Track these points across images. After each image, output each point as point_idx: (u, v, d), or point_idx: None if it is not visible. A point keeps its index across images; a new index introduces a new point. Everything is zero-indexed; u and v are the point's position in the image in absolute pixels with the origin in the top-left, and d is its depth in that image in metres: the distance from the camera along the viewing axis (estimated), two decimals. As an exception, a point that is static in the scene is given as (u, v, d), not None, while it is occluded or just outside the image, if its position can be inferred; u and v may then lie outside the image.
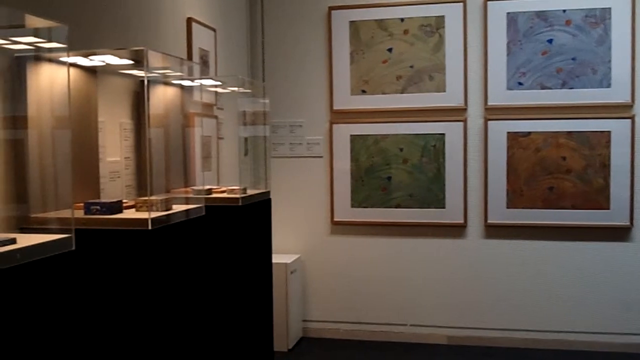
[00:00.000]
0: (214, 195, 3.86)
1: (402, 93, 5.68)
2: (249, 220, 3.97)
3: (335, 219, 5.86)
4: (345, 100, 5.80)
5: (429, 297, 5.77)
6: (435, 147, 5.65)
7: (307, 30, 5.88)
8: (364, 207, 5.79)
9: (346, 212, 5.83)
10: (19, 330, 1.89)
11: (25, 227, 2.51)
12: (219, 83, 4.87)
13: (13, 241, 1.95)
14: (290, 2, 5.89)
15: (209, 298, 3.38)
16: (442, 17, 5.57)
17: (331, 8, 5.76)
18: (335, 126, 5.83)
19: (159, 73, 3.51)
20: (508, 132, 5.50)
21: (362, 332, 5.89)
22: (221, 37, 5.09)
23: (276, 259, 5.25)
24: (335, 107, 5.82)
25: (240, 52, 5.74)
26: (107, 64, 3.07)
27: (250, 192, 4.09)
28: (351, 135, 5.80)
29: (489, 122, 5.52)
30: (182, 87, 3.75)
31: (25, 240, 2.03)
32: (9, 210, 2.54)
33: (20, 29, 2.33)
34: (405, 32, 5.65)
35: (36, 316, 1.96)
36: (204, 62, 4.69)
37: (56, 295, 2.06)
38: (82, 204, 2.78)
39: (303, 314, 5.96)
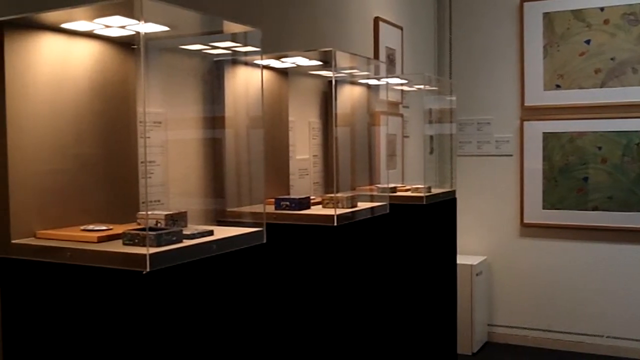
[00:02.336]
0: (398, 193, 3.85)
1: (601, 87, 5.30)
2: (433, 219, 3.92)
3: (525, 221, 5.61)
4: (538, 96, 5.52)
5: (630, 308, 5.31)
6: (638, 145, 5.19)
7: (497, 24, 5.67)
8: (557, 209, 5.47)
9: (537, 214, 5.55)
10: (214, 316, 2.01)
11: (222, 220, 2.68)
12: (405, 81, 4.85)
13: (211, 233, 2.08)
14: (480, -3, 5.73)
15: (391, 297, 3.38)
16: (649, 3, 5.10)
17: (523, 0, 5.51)
18: (526, 123, 5.57)
19: (346, 73, 3.57)
20: None
21: (552, 341, 5.58)
22: (408, 35, 5.07)
23: (461, 260, 5.13)
24: (526, 104, 5.56)
25: (427, 50, 5.68)
26: (298, 66, 3.18)
27: (434, 191, 4.03)
28: (544, 133, 5.51)
29: None
30: (368, 86, 3.78)
31: (221, 232, 2.15)
32: (208, 204, 2.73)
33: (218, 34, 2.48)
34: (606, 22, 5.25)
35: (229, 304, 2.08)
36: (391, 61, 4.71)
37: (247, 286, 2.17)
38: (272, 200, 2.90)
39: (489, 317, 5.77)
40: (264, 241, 2.24)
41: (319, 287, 2.76)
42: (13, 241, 1.93)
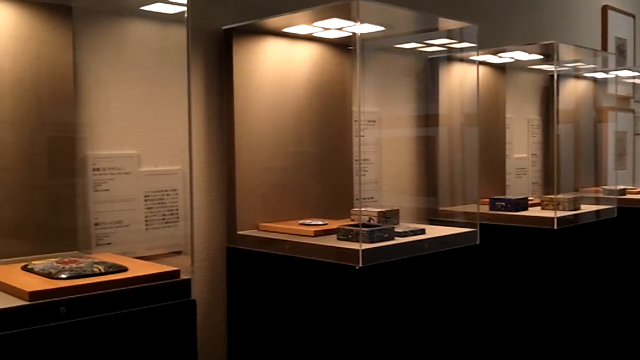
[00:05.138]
0: (628, 196, 3.54)
1: None
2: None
3: None
4: None
5: None
6: None
7: None
8: None
9: None
10: (422, 314, 2.00)
11: (434, 219, 2.66)
12: (637, 74, 4.44)
13: (422, 231, 2.07)
14: None
15: (614, 306, 3.12)
16: None
17: None
18: None
19: (569, 66, 3.36)
20: None
21: None
22: (642, 23, 4.64)
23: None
24: None
25: (665, 38, 5.15)
26: (516, 60, 3.06)
27: (672, 194, 3.64)
28: None
29: None
30: (594, 79, 3.53)
31: (433, 231, 2.13)
32: (420, 202, 2.72)
33: (433, 32, 2.46)
34: None
35: (438, 303, 2.06)
36: (621, 52, 4.34)
37: (457, 287, 2.13)
38: (487, 200, 2.82)
39: None
40: (477, 242, 2.19)
41: (535, 292, 2.63)
42: (238, 232, 2.08)
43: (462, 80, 2.70)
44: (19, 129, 1.63)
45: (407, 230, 2.04)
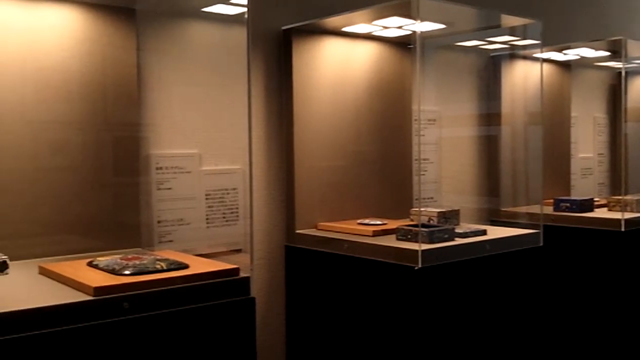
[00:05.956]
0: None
1: None
2: None
3: None
4: None
5: None
6: None
7: None
8: None
9: None
10: (482, 316, 1.97)
11: (495, 220, 2.61)
12: None
13: (484, 232, 2.04)
14: None
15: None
16: None
17: None
18: None
19: (638, 63, 3.24)
20: None
21: None
22: None
23: None
24: None
25: None
26: (582, 57, 2.97)
27: None
28: None
29: None
30: (665, 76, 3.39)
31: (495, 232, 2.10)
32: (481, 202, 2.68)
33: (495, 29, 2.42)
34: None
35: (499, 305, 2.02)
36: (694, 47, 4.16)
37: (519, 289, 2.08)
38: (551, 200, 2.75)
39: None
40: (541, 244, 2.14)
41: (600, 297, 2.55)
42: (297, 231, 2.09)
43: (525, 78, 2.64)
44: (86, 129, 1.68)
45: (467, 230, 2.02)
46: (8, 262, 1.45)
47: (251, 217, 1.65)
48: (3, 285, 1.37)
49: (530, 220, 2.33)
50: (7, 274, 1.44)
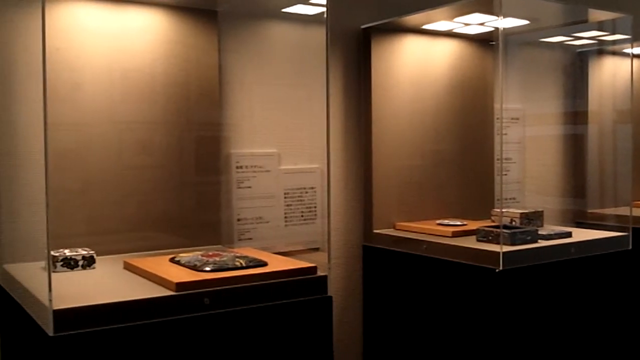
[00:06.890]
0: None
1: None
2: None
3: None
4: None
5: None
6: None
7: None
8: None
9: None
10: (565, 320, 1.91)
11: (581, 221, 2.52)
12: None
13: (569, 235, 1.98)
14: None
15: None
16: None
17: None
18: None
19: None
20: None
21: None
22: None
23: None
24: None
25: None
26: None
27: None
28: None
29: None
30: None
31: (580, 234, 2.03)
32: (566, 203, 2.59)
33: (582, 24, 2.34)
34: None
35: (584, 310, 1.95)
36: None
37: (606, 294, 2.01)
38: (641, 202, 2.64)
39: None
40: (629, 247, 2.05)
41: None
42: (375, 231, 2.08)
43: (614, 74, 2.54)
44: (169, 129, 1.73)
45: (551, 232, 1.96)
46: (95, 257, 1.52)
47: (329, 216, 1.65)
48: (89, 280, 1.43)
49: (619, 222, 2.25)
50: (94, 268, 1.51)
